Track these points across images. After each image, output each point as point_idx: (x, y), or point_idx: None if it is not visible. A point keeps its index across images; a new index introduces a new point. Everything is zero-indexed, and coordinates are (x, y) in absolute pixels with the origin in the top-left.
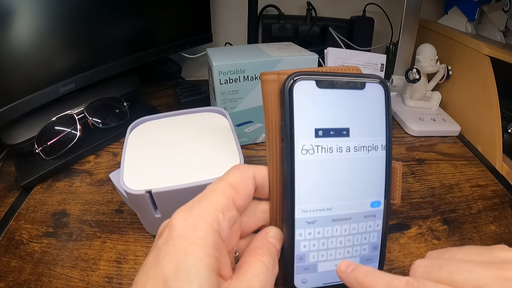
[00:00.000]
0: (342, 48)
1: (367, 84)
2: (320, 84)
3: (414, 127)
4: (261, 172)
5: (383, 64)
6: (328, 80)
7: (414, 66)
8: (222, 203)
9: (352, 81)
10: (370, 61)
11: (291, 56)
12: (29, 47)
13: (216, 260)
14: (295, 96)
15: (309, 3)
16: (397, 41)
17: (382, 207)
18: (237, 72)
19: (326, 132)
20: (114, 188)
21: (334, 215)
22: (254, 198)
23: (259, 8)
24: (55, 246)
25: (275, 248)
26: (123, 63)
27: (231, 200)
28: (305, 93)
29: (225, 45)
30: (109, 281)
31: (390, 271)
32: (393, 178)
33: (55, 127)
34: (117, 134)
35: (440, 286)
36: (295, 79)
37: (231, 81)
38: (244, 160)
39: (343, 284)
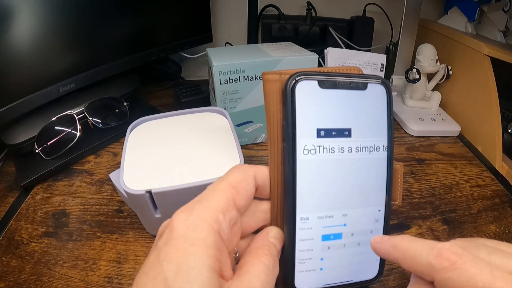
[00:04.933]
0: (342, 48)
1: (369, 84)
2: (322, 84)
3: (414, 127)
4: (262, 172)
5: (383, 64)
6: (330, 81)
7: (414, 66)
8: (222, 203)
9: (354, 81)
10: (370, 61)
11: (291, 56)
12: (29, 47)
13: (217, 260)
14: (297, 96)
15: (309, 3)
16: (397, 41)
17: (383, 207)
18: (237, 72)
19: (328, 132)
20: (114, 188)
21: (335, 215)
22: (255, 198)
23: (259, 8)
24: (55, 246)
25: (276, 248)
26: (123, 63)
27: (231, 201)
28: (307, 93)
29: (225, 45)
30: (109, 281)
31: (390, 271)
32: (394, 178)
33: (55, 127)
34: (117, 134)
35: (481, 260)
36: (297, 79)
37: (231, 81)
38: (244, 160)
39: (343, 285)
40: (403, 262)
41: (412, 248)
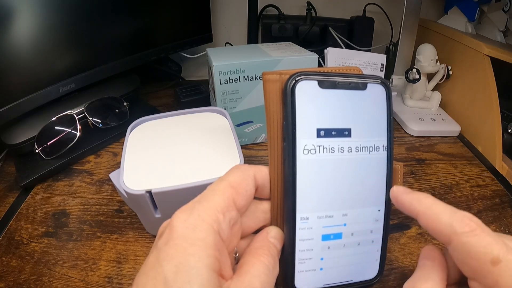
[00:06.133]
0: (342, 48)
1: (368, 84)
2: (322, 85)
3: (414, 127)
4: (261, 172)
5: (383, 64)
6: (330, 81)
7: (414, 66)
8: (222, 203)
9: (354, 81)
10: (370, 61)
11: (291, 56)
12: (29, 47)
13: (216, 260)
14: (297, 96)
15: (309, 3)
16: (397, 41)
17: (383, 207)
18: (237, 72)
19: (328, 132)
20: (114, 188)
21: (335, 215)
22: (255, 198)
23: (259, 8)
24: (55, 246)
25: (276, 248)
26: (123, 63)
27: (231, 201)
28: (307, 93)
29: (225, 45)
30: (109, 281)
31: (390, 271)
32: (394, 178)
33: (55, 127)
34: (117, 134)
35: (497, 234)
36: (297, 79)
37: (231, 81)
38: (244, 160)
39: (343, 285)
40: (424, 217)
41: (437, 208)
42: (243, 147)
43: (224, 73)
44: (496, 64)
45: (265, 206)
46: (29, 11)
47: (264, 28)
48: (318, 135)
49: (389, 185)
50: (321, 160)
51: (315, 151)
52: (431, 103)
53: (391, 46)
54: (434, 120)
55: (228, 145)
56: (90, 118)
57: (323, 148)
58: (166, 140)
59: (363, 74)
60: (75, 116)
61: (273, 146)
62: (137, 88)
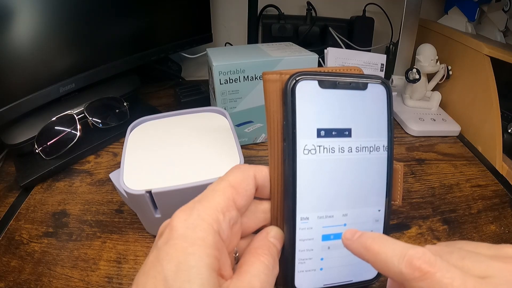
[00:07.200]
0: (342, 48)
1: (369, 84)
2: (323, 84)
3: (414, 127)
4: (262, 172)
5: (383, 64)
6: (331, 81)
7: (414, 66)
8: (222, 203)
9: (355, 81)
10: (370, 61)
11: (291, 56)
12: (29, 47)
13: (216, 260)
14: (297, 96)
15: (309, 3)
16: (397, 41)
17: (383, 207)
18: (237, 72)
19: (328, 132)
20: (114, 188)
21: (335, 215)
22: (255, 198)
23: (259, 8)
24: (55, 246)
25: (276, 248)
26: (123, 63)
27: (231, 201)
28: (307, 93)
29: (225, 45)
30: (109, 281)
31: None
32: (394, 179)
33: (55, 127)
34: (117, 134)
35: (453, 268)
36: (297, 79)
37: (231, 81)
38: (244, 160)
39: (343, 285)
40: (374, 266)
41: (384, 253)
42: (243, 147)
43: (224, 73)
44: (496, 64)
45: (265, 206)
46: (29, 11)
47: (264, 28)
48: (318, 135)
49: (389, 185)
50: (321, 160)
51: (315, 151)
52: (431, 103)
53: (391, 46)
54: (434, 120)
55: (228, 145)
56: (90, 118)
57: (323, 148)
58: (166, 140)
59: (364, 74)
60: (75, 116)
61: (273, 146)
62: (137, 88)
